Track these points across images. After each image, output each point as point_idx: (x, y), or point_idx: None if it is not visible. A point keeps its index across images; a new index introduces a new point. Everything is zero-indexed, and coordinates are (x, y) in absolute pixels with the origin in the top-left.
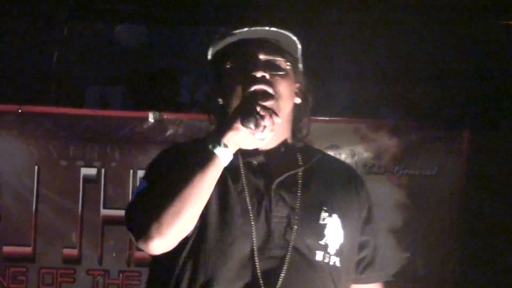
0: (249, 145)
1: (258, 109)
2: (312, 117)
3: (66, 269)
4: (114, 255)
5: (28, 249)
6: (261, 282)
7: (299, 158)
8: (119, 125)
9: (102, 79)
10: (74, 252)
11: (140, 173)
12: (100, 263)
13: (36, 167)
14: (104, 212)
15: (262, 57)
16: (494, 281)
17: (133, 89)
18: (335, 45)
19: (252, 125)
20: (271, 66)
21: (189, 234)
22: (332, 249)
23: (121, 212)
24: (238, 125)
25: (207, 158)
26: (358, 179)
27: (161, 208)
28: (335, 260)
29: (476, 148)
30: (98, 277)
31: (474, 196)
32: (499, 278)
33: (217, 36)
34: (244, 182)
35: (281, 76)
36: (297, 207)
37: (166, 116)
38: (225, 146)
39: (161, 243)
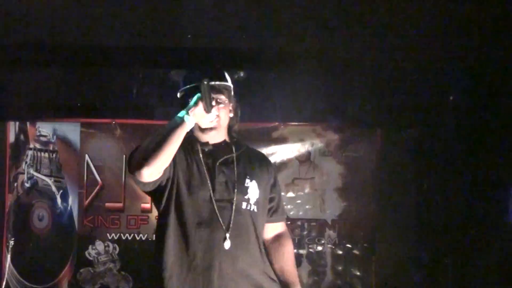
0: (204, 123)
1: (211, 99)
2: (287, 123)
3: (143, 216)
4: None
5: (120, 204)
6: (219, 217)
7: (233, 148)
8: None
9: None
10: (148, 206)
11: None
12: None
13: (124, 155)
14: None
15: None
16: (401, 219)
17: None
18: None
19: (205, 104)
20: (218, 101)
21: (166, 183)
22: (252, 201)
23: None
24: (199, 103)
25: (179, 122)
26: (268, 162)
27: (148, 149)
28: (253, 208)
29: (384, 140)
30: None
31: (382, 169)
32: (403, 213)
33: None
34: (202, 161)
35: (222, 106)
36: (234, 176)
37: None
38: (189, 115)
39: (148, 171)
